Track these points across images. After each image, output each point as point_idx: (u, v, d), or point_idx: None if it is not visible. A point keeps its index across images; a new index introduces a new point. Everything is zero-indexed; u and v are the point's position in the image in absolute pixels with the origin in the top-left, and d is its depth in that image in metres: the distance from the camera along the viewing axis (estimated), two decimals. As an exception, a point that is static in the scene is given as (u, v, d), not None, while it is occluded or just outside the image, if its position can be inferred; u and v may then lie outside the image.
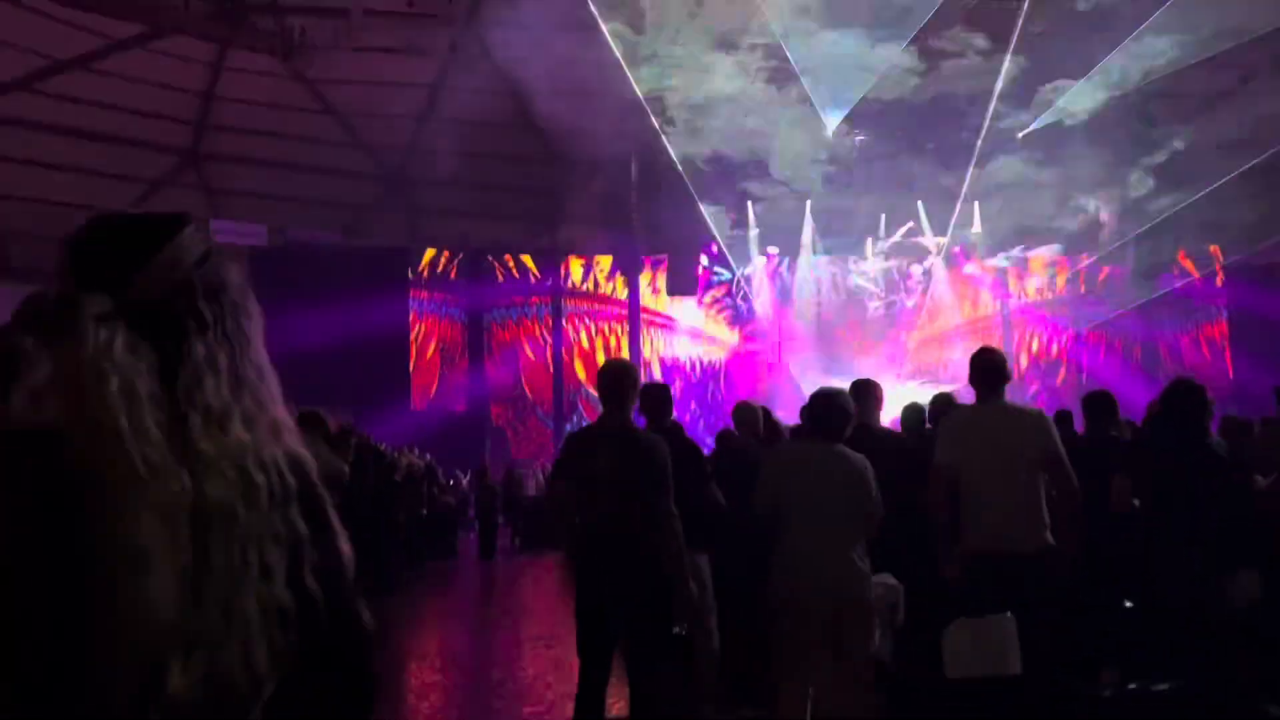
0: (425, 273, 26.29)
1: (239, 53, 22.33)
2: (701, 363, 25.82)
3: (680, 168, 22.25)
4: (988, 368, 4.66)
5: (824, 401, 4.60)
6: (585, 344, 26.26)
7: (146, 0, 20.93)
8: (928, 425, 6.58)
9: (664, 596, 4.48)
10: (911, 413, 7.14)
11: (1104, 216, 23.68)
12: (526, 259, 26.29)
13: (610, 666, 4.49)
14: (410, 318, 25.82)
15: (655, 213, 23.08)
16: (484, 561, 17.14)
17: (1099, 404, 6.32)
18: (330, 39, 22.27)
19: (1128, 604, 4.41)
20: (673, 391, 6.69)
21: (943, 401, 6.81)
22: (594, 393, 4.87)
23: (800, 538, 4.37)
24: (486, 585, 14.84)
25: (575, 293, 26.90)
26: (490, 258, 26.45)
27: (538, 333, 26.84)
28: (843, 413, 4.56)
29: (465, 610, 12.12)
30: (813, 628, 4.31)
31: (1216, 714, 4.14)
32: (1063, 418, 7.82)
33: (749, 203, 24.36)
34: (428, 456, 20.07)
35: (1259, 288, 23.70)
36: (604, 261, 26.43)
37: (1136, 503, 5.09)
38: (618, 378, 4.66)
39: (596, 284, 26.84)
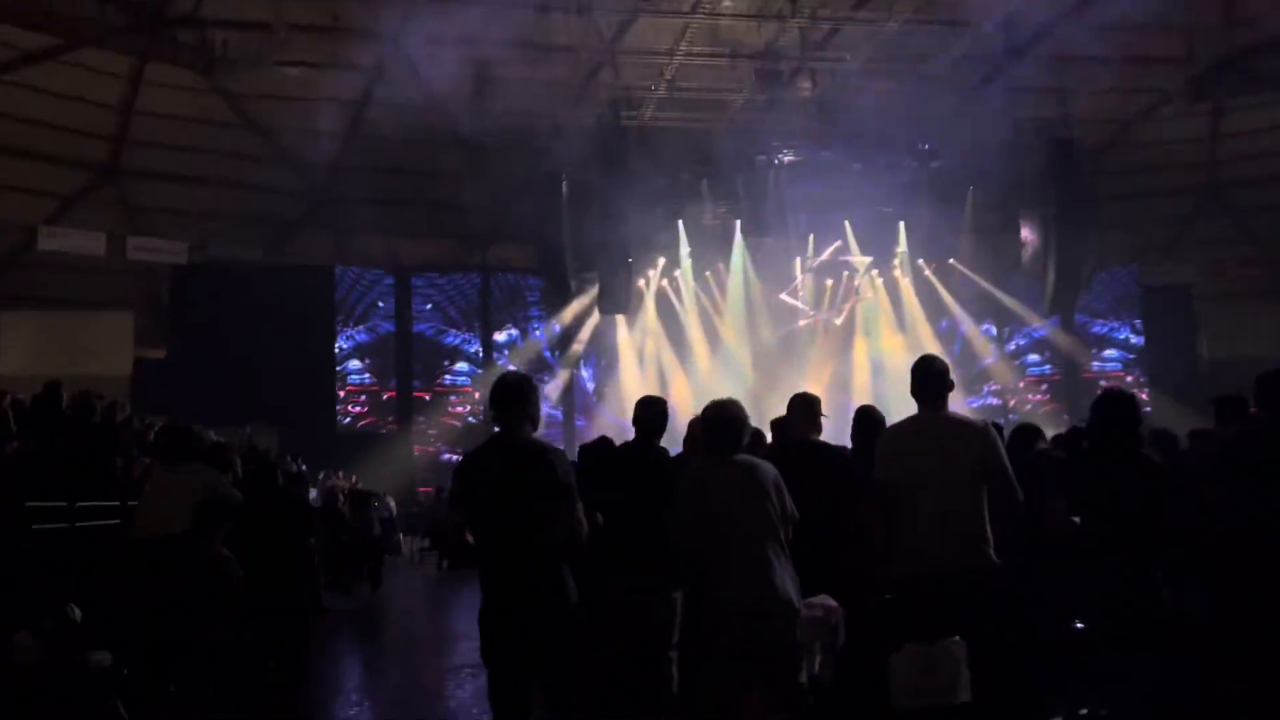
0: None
1: (159, 66, 21.64)
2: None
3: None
4: (929, 376, 4.41)
5: (716, 413, 4.31)
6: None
7: (61, 11, 20.19)
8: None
9: (573, 621, 4.12)
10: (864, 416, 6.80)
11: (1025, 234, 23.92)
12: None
13: (528, 707, 4.04)
14: (336, 337, 25.40)
15: (587, 230, 22.73)
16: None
17: (1025, 427, 6.26)
18: (254, 53, 21.72)
19: (1078, 624, 4.24)
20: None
21: (864, 414, 6.40)
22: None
23: (721, 565, 4.07)
24: (409, 613, 14.21)
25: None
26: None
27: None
28: (738, 422, 4.29)
29: (387, 640, 11.69)
30: (741, 659, 4.02)
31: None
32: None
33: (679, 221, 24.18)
34: (354, 478, 19.57)
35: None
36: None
37: (1076, 520, 4.90)
38: (513, 388, 4.29)
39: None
